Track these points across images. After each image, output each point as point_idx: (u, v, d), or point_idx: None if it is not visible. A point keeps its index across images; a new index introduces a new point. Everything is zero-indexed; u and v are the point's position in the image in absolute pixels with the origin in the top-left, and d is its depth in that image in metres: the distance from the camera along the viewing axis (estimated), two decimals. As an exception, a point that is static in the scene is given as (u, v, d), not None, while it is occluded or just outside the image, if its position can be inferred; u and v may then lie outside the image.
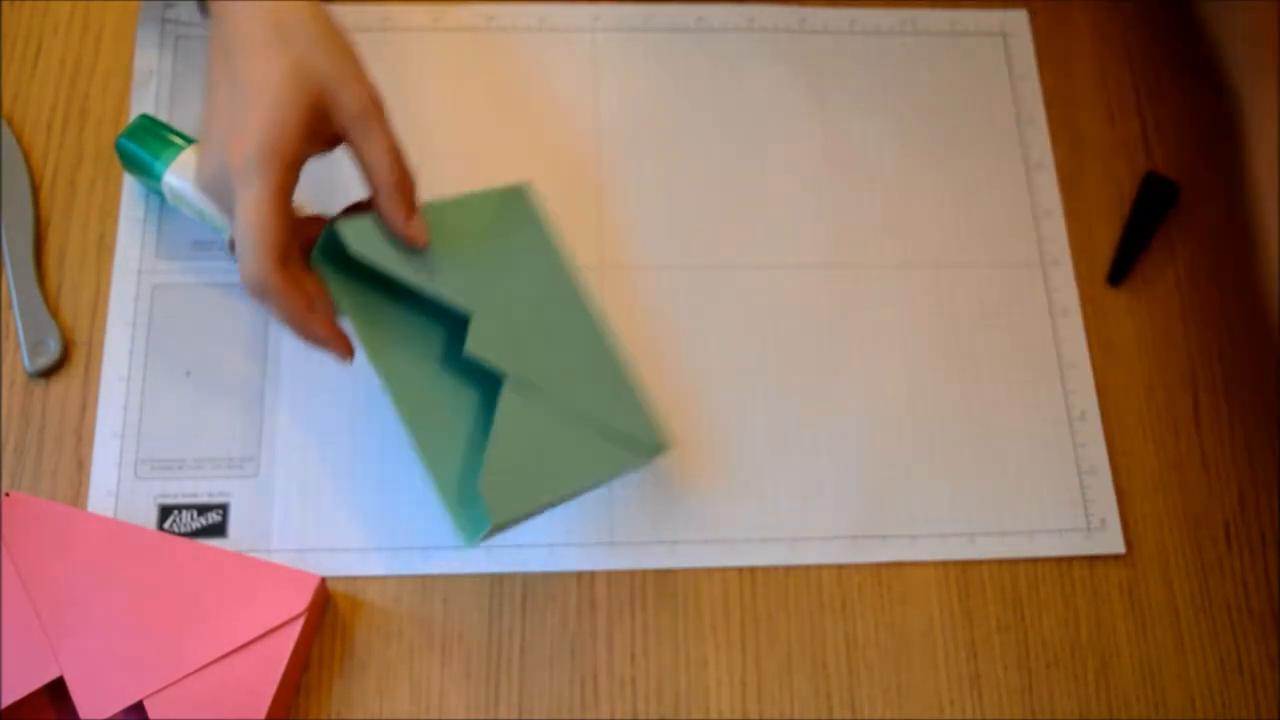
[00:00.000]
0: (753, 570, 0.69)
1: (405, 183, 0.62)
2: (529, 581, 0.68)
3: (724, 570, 0.69)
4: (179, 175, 0.70)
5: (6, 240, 0.71)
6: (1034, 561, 0.70)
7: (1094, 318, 0.75)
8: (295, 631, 0.62)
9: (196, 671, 0.61)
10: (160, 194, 0.72)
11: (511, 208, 0.69)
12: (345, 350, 0.63)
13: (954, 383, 0.73)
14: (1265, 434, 0.73)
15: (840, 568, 0.69)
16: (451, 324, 0.66)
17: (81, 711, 0.60)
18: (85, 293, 0.72)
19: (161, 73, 0.77)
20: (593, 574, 0.68)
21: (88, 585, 0.62)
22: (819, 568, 0.69)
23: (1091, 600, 0.69)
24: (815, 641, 0.68)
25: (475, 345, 0.63)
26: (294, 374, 0.71)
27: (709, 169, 0.77)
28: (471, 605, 0.67)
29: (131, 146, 0.71)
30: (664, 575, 0.68)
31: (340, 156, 0.64)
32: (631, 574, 0.68)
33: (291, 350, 0.71)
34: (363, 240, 0.62)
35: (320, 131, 0.61)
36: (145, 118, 0.72)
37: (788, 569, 0.69)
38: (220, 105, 0.61)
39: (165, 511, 0.68)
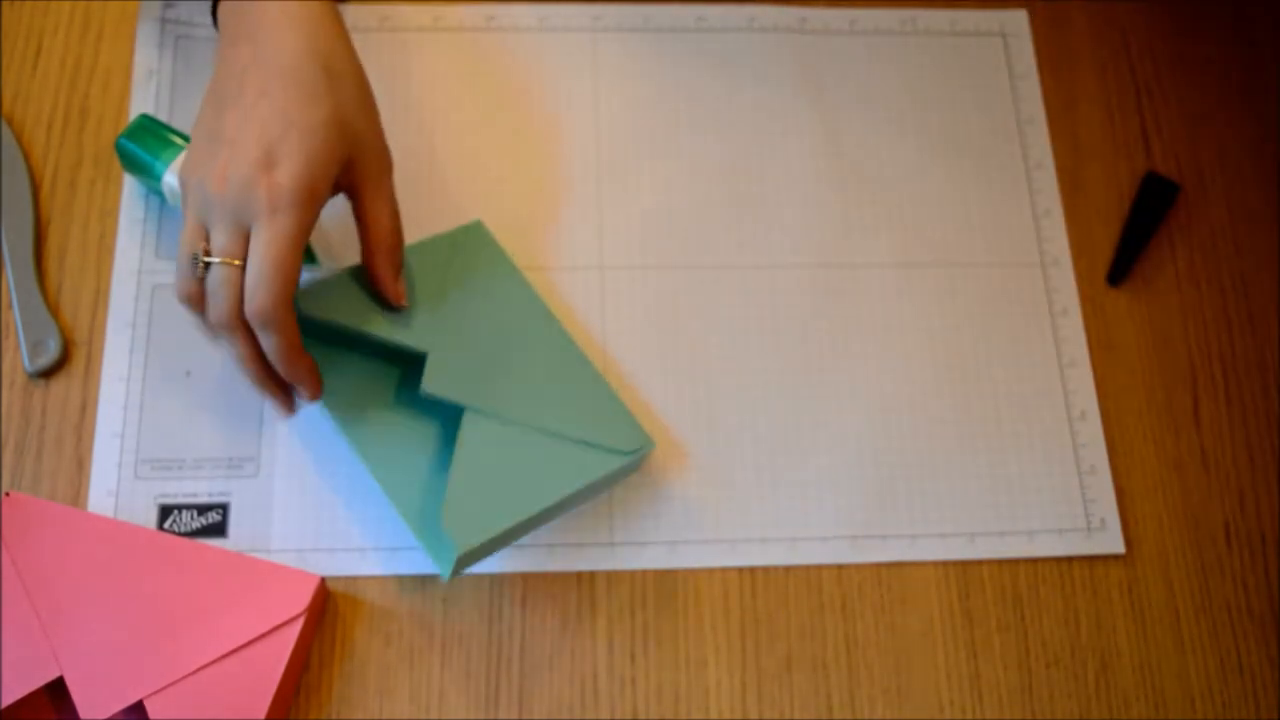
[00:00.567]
0: (753, 570, 0.69)
1: (400, 245, 0.66)
2: (529, 581, 0.68)
3: (724, 570, 0.69)
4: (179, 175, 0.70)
5: (6, 240, 0.71)
6: (1034, 561, 0.70)
7: (1094, 318, 0.75)
8: (295, 631, 0.62)
9: (196, 671, 0.61)
10: (160, 194, 0.72)
11: (466, 246, 0.70)
12: (318, 389, 0.64)
13: (954, 382, 0.73)
14: (1265, 434, 0.73)
15: (840, 568, 0.69)
16: (413, 360, 0.67)
17: (81, 711, 0.60)
18: (85, 293, 0.72)
19: (161, 73, 0.77)
20: (593, 574, 0.68)
21: (88, 585, 0.62)
22: (819, 568, 0.69)
23: (1091, 600, 0.69)
24: (815, 641, 0.68)
25: (430, 383, 0.65)
26: (294, 374, 0.71)
27: (709, 169, 0.77)
28: (471, 605, 0.67)
29: (131, 146, 0.71)
30: (664, 575, 0.68)
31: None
32: (631, 574, 0.68)
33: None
34: (313, 300, 0.65)
35: (328, 187, 0.62)
36: (145, 118, 0.72)
37: (788, 569, 0.69)
38: (250, 106, 0.60)
39: (165, 511, 0.68)
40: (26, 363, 0.69)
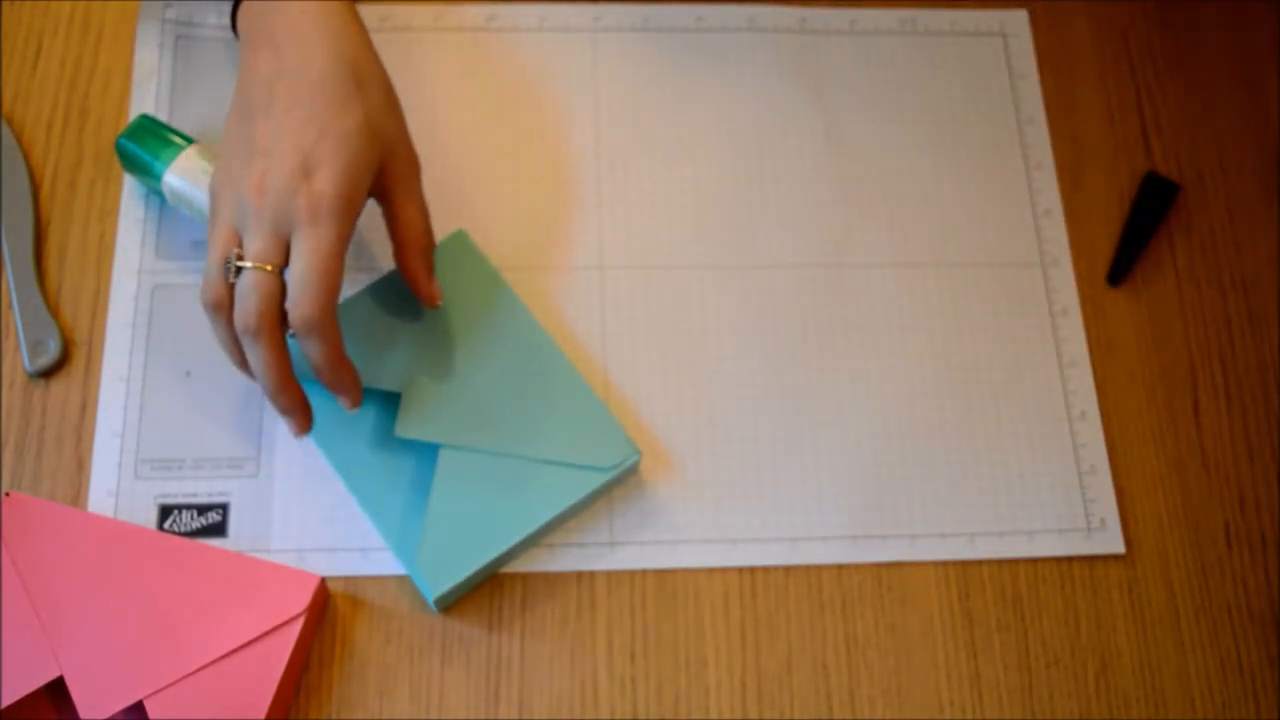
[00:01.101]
0: (753, 570, 0.69)
1: (431, 245, 0.66)
2: (529, 581, 0.68)
3: (724, 570, 0.69)
4: (179, 175, 0.70)
5: (6, 240, 0.71)
6: (1034, 561, 0.70)
7: (1094, 318, 0.75)
8: (295, 631, 0.62)
9: (196, 671, 0.61)
10: (160, 194, 0.72)
11: (447, 260, 0.71)
12: (359, 397, 0.65)
13: (954, 383, 0.73)
14: (1265, 434, 0.73)
15: (840, 568, 0.69)
16: (398, 397, 0.68)
17: (81, 711, 0.60)
18: (85, 293, 0.72)
19: (161, 73, 0.77)
20: (593, 574, 0.68)
21: (88, 585, 0.62)
22: (819, 568, 0.69)
23: (1091, 600, 0.69)
24: (815, 641, 0.68)
25: (404, 428, 0.66)
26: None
27: (709, 169, 0.77)
28: (471, 605, 0.67)
29: (131, 146, 0.71)
30: (664, 575, 0.68)
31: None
32: (631, 574, 0.68)
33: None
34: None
35: (363, 192, 0.62)
36: (145, 118, 0.72)
37: (787, 569, 0.69)
38: (282, 117, 0.61)
39: (165, 511, 0.68)
40: (26, 363, 0.69)
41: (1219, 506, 0.72)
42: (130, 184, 0.74)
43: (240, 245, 0.60)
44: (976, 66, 0.82)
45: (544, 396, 0.68)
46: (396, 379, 0.67)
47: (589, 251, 0.75)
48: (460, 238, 0.72)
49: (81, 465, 0.68)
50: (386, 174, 0.64)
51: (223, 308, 0.61)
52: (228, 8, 0.77)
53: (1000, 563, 0.70)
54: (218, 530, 0.67)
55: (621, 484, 0.70)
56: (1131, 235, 0.77)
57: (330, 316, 0.60)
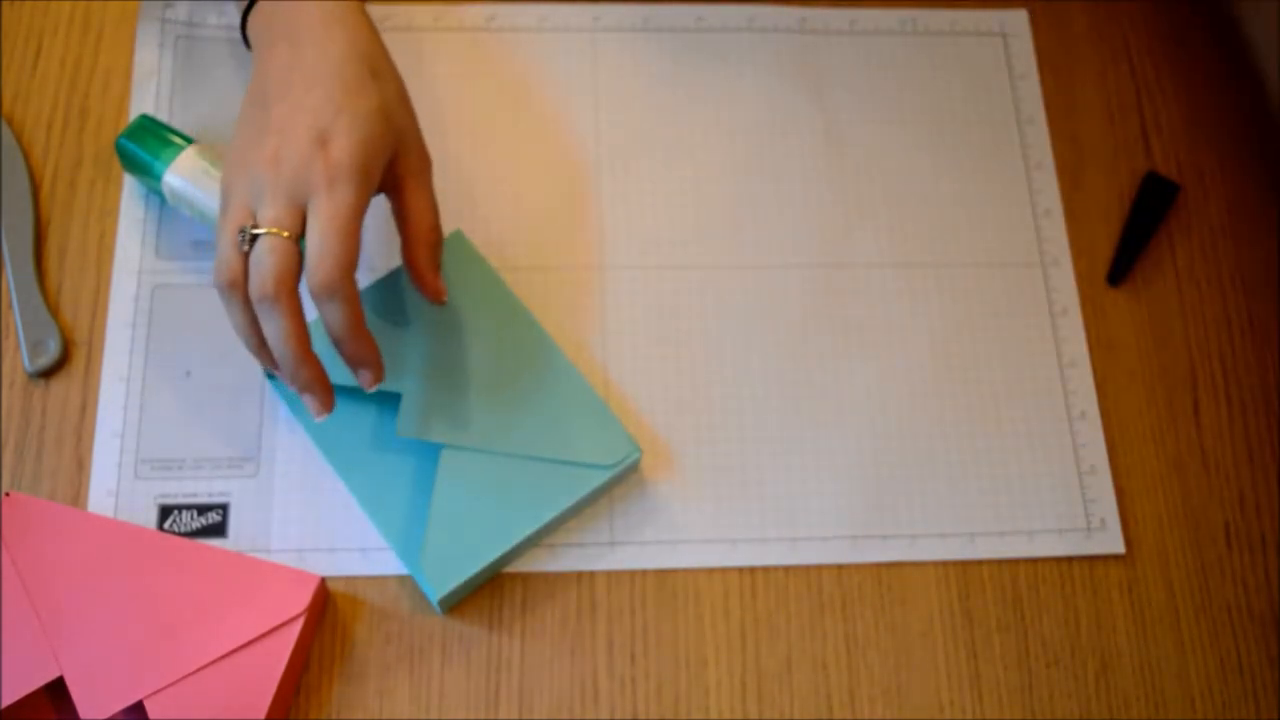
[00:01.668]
0: (753, 570, 0.69)
1: (440, 241, 0.66)
2: (529, 581, 0.68)
3: (724, 570, 0.69)
4: (179, 175, 0.70)
5: (6, 240, 0.71)
6: (1034, 561, 0.70)
7: (1094, 318, 0.75)
8: (295, 631, 0.62)
9: (196, 671, 0.61)
10: (160, 194, 0.72)
11: (445, 261, 0.71)
12: (380, 371, 0.64)
13: (954, 382, 0.73)
14: (1265, 434, 0.73)
15: (840, 568, 0.69)
16: (396, 395, 0.68)
17: (81, 711, 0.60)
18: (85, 293, 0.72)
19: (161, 73, 0.77)
20: (593, 574, 0.68)
21: (88, 585, 0.62)
22: (819, 568, 0.69)
23: (1091, 600, 0.69)
24: (815, 641, 0.68)
25: (404, 427, 0.66)
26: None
27: (709, 169, 0.77)
28: (471, 605, 0.67)
29: (131, 146, 0.71)
30: (664, 575, 0.68)
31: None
32: (631, 574, 0.68)
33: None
34: None
35: (376, 176, 0.62)
36: (145, 118, 0.72)
37: (787, 569, 0.69)
38: (299, 99, 0.61)
39: (165, 511, 0.68)
40: (26, 363, 0.69)
41: (1219, 506, 0.72)
42: (130, 184, 0.74)
43: (254, 219, 0.59)
44: (976, 66, 0.82)
45: (544, 395, 0.68)
46: (396, 379, 0.67)
47: (589, 251, 0.75)
48: (458, 238, 0.72)
49: (81, 465, 0.68)
50: (399, 165, 0.64)
51: (238, 285, 0.59)
52: (230, 7, 0.77)
53: (1000, 563, 0.70)
54: (218, 530, 0.67)
55: (622, 483, 0.70)
56: (1131, 235, 0.77)
57: (350, 280, 0.59)
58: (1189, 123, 0.81)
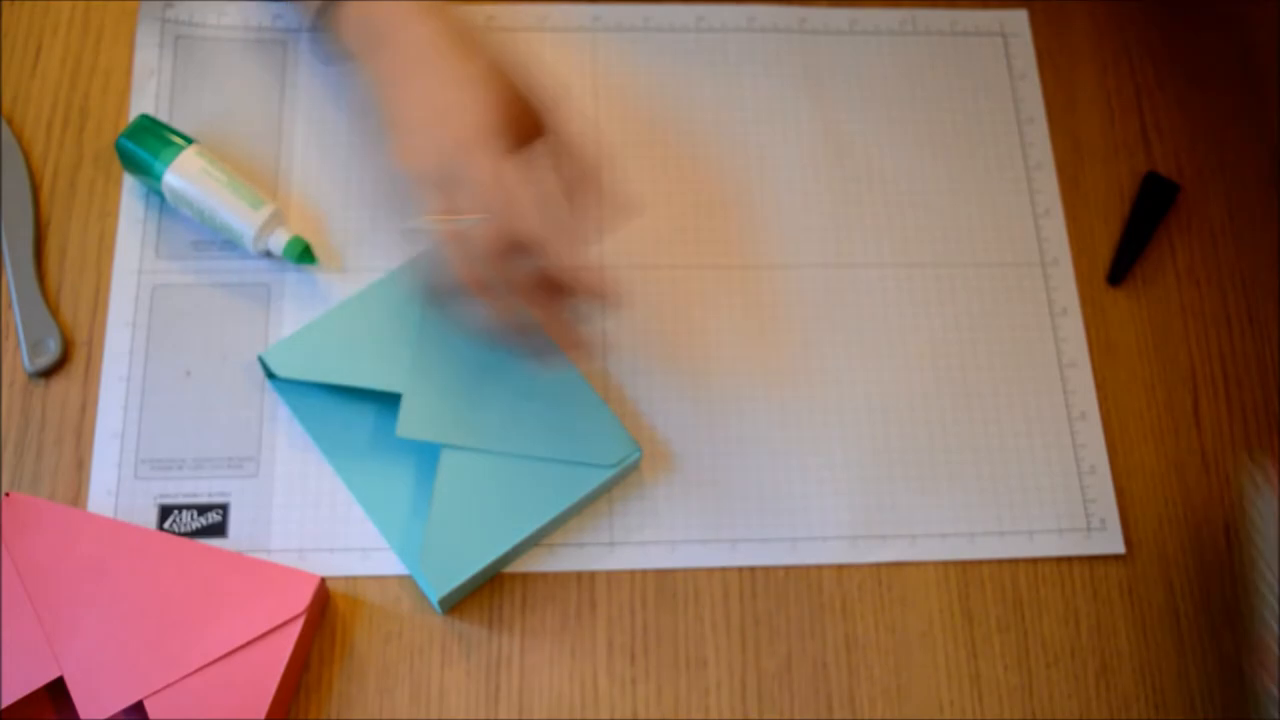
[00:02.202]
0: (753, 570, 0.69)
1: (596, 183, 0.66)
2: (529, 581, 0.68)
3: (724, 570, 0.69)
4: (179, 175, 0.70)
5: (6, 240, 0.71)
6: (1034, 561, 0.70)
7: (1094, 318, 0.75)
8: (295, 631, 0.62)
9: (196, 671, 0.61)
10: (160, 194, 0.72)
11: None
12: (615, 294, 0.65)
13: (954, 383, 0.73)
14: (1265, 434, 0.73)
15: (840, 568, 0.69)
16: (397, 396, 0.68)
17: (81, 711, 0.60)
18: (85, 293, 0.72)
19: (161, 73, 0.77)
20: (593, 574, 0.68)
21: (88, 585, 0.62)
22: (819, 568, 0.69)
23: (1091, 600, 0.69)
24: (815, 641, 0.68)
25: (405, 428, 0.66)
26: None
27: (709, 169, 0.77)
28: (471, 605, 0.67)
29: (131, 146, 0.71)
30: (664, 575, 0.68)
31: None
32: (631, 574, 0.68)
33: (291, 350, 0.71)
34: (285, 363, 0.67)
35: (513, 127, 0.64)
36: (145, 118, 0.72)
37: (787, 569, 0.69)
38: (416, 104, 0.64)
39: (165, 511, 0.67)
40: (26, 363, 0.69)
41: (1219, 506, 0.72)
42: (130, 184, 0.74)
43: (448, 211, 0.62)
44: (976, 66, 0.82)
45: (544, 395, 0.68)
46: (396, 379, 0.67)
47: (589, 251, 0.75)
48: None
49: (81, 465, 0.68)
50: (535, 103, 0.65)
51: (496, 259, 0.62)
52: (231, 8, 0.77)
53: (1000, 563, 0.70)
54: (218, 530, 0.67)
55: (621, 483, 0.70)
56: (1131, 235, 0.77)
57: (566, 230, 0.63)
58: (1189, 123, 0.81)
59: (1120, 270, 0.76)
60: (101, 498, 0.67)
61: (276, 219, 0.71)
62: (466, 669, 0.66)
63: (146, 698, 0.60)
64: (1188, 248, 0.78)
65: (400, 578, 0.67)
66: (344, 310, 0.69)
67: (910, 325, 0.75)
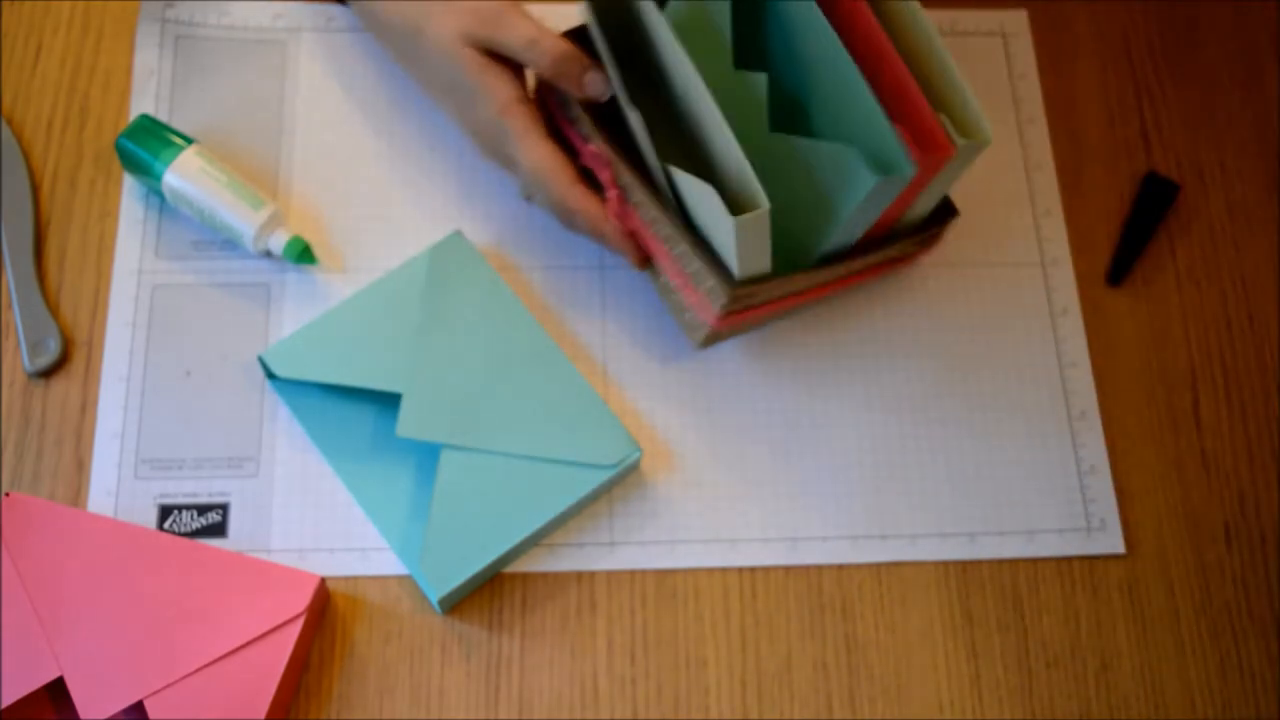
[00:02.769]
0: (753, 570, 0.69)
1: (568, 48, 0.68)
2: (529, 581, 0.68)
3: (724, 570, 0.68)
4: (179, 175, 0.70)
5: (6, 240, 0.71)
6: (1034, 561, 0.70)
7: (1094, 318, 0.75)
8: (295, 631, 0.62)
9: (196, 671, 0.61)
10: (160, 194, 0.72)
11: (444, 262, 0.71)
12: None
13: (954, 383, 0.73)
14: (1265, 434, 0.73)
15: (840, 568, 0.69)
16: (397, 396, 0.68)
17: (81, 711, 0.60)
18: (85, 293, 0.72)
19: (161, 73, 0.77)
20: (593, 574, 0.68)
21: (88, 585, 0.62)
22: (819, 568, 0.69)
23: (1091, 600, 0.69)
24: (815, 641, 0.68)
25: (405, 427, 0.66)
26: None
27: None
28: (471, 605, 0.67)
29: (131, 146, 0.71)
30: (664, 575, 0.68)
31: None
32: (631, 574, 0.68)
33: (291, 350, 0.71)
34: (285, 363, 0.67)
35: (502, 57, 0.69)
36: (145, 118, 0.72)
37: (787, 569, 0.69)
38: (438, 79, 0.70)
39: (165, 511, 0.68)
40: (26, 363, 0.69)
41: (1219, 506, 0.72)
42: (130, 184, 0.74)
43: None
44: (976, 66, 0.82)
45: (544, 395, 0.68)
46: (396, 379, 0.67)
47: (589, 251, 0.75)
48: (457, 239, 0.72)
49: (81, 465, 0.68)
50: (483, 24, 0.68)
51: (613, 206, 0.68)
52: (231, 7, 0.77)
53: (1000, 563, 0.70)
54: (218, 530, 0.67)
55: (621, 483, 0.70)
56: (1131, 235, 0.77)
57: (578, 188, 0.68)
58: (1189, 123, 0.81)
59: (1120, 270, 0.76)
60: (101, 498, 0.67)
61: (276, 219, 0.71)
62: (466, 669, 0.66)
63: (146, 698, 0.60)
64: (1188, 248, 0.78)
65: (400, 578, 0.67)
66: (344, 310, 0.69)
67: (910, 325, 0.74)
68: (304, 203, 0.74)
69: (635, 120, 0.66)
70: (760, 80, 0.67)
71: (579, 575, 0.68)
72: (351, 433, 0.69)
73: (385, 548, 0.67)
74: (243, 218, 0.70)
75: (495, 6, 0.69)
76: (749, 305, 0.67)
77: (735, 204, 0.61)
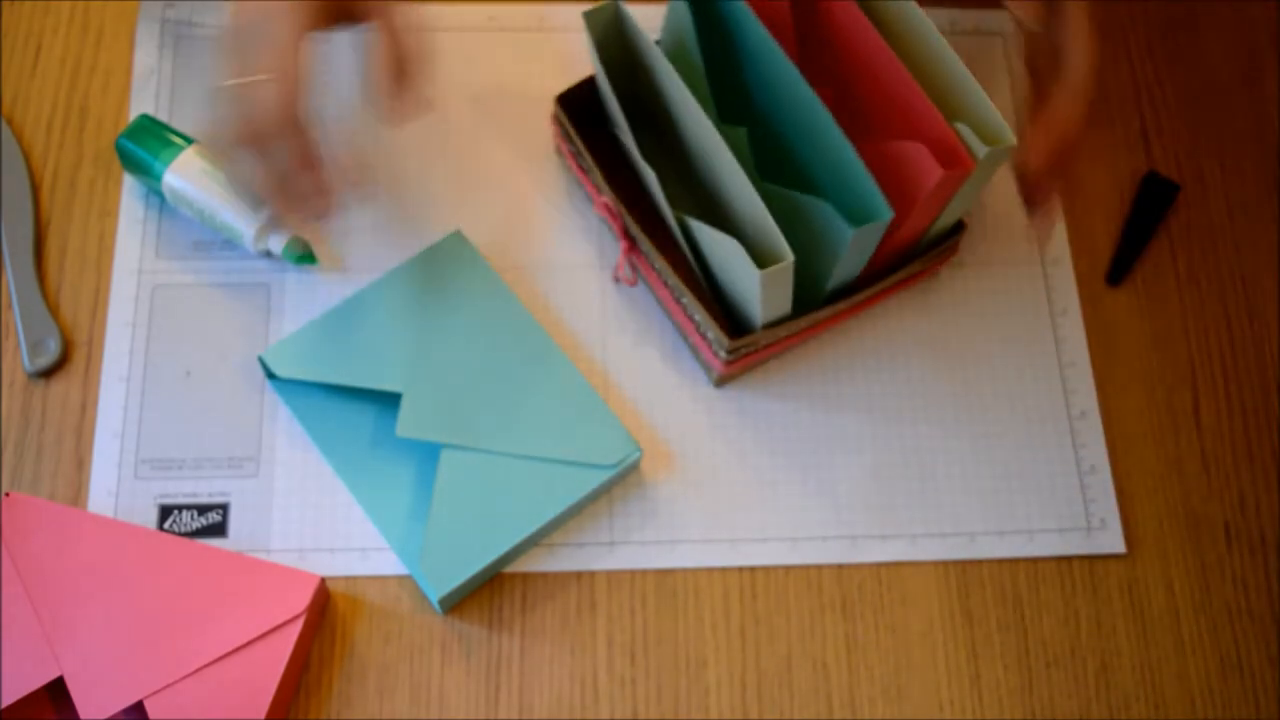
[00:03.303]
0: (752, 570, 0.69)
1: (419, 52, 0.63)
2: (529, 581, 0.68)
3: (724, 570, 0.69)
4: (179, 175, 0.70)
5: (6, 240, 0.71)
6: (1034, 562, 0.70)
7: (1094, 318, 0.75)
8: (295, 632, 0.62)
9: (196, 671, 0.61)
10: (160, 194, 0.72)
11: (444, 262, 0.71)
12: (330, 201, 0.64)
13: (954, 382, 0.73)
14: (1265, 434, 0.73)
15: (840, 568, 0.69)
16: (397, 395, 0.68)
17: (81, 711, 0.60)
18: (85, 293, 0.72)
19: (161, 73, 0.77)
20: (592, 574, 0.68)
21: (88, 585, 0.62)
22: (819, 568, 0.69)
23: (1091, 600, 0.69)
24: (815, 641, 0.68)
25: (405, 427, 0.67)
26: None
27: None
28: (471, 605, 0.67)
29: (131, 146, 0.71)
30: (664, 575, 0.68)
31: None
32: (631, 574, 0.68)
33: (291, 350, 0.71)
34: (285, 363, 0.68)
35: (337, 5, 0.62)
36: (145, 118, 0.72)
37: (787, 570, 0.69)
38: None
39: (165, 511, 0.68)
40: (26, 363, 0.69)
41: (1219, 506, 0.72)
42: (130, 184, 0.74)
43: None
44: (975, 66, 0.81)
45: (544, 395, 0.68)
46: (396, 379, 0.67)
47: (589, 250, 0.75)
48: (457, 239, 0.72)
49: (81, 465, 0.68)
50: None
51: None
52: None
53: (1000, 563, 0.70)
54: (218, 530, 0.67)
55: (621, 483, 0.70)
56: (1131, 235, 0.77)
57: (291, 111, 0.60)
58: (1189, 123, 0.81)
59: (1120, 270, 0.76)
60: (102, 498, 0.67)
61: (276, 219, 0.71)
62: (466, 669, 0.66)
63: (146, 698, 0.60)
64: (1188, 248, 0.78)
65: (400, 578, 0.67)
66: (344, 310, 0.69)
67: (911, 324, 0.74)
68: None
69: (650, 177, 0.66)
70: (741, 134, 0.67)
71: (579, 575, 0.68)
72: (351, 433, 0.69)
73: (385, 548, 0.67)
74: (243, 218, 0.70)
75: None
76: (752, 351, 0.68)
77: (756, 255, 0.62)
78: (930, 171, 0.60)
